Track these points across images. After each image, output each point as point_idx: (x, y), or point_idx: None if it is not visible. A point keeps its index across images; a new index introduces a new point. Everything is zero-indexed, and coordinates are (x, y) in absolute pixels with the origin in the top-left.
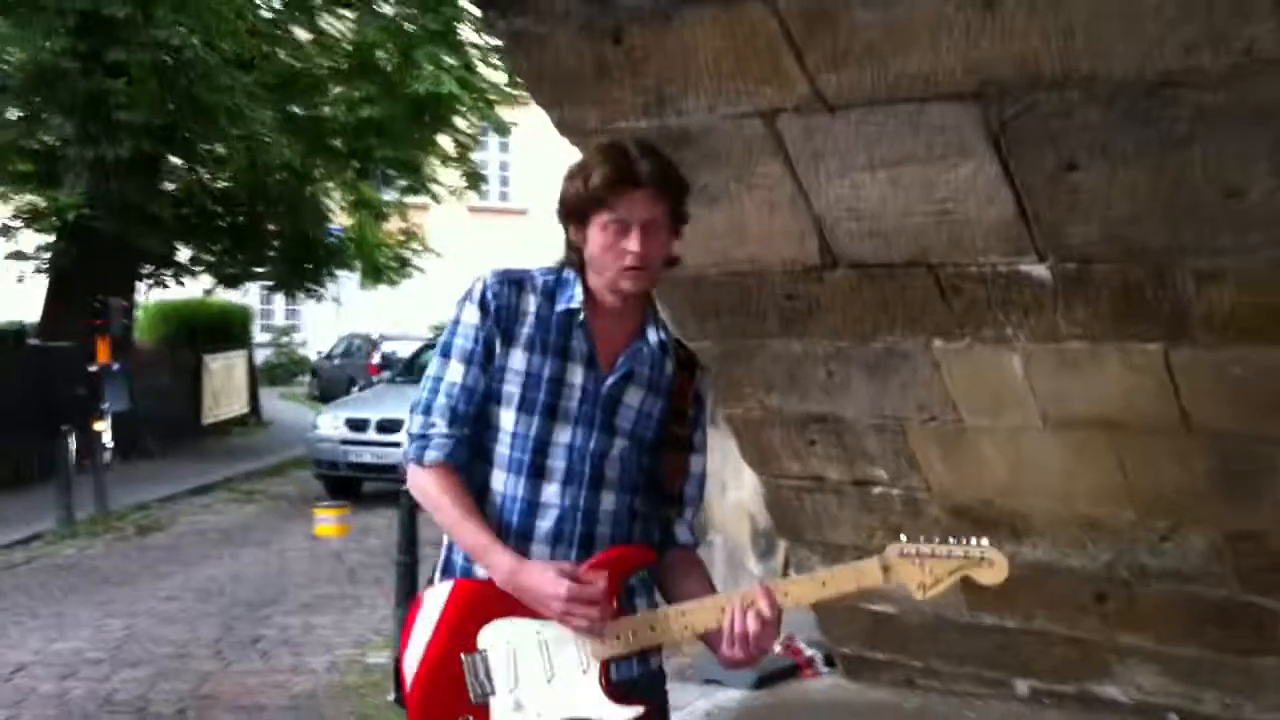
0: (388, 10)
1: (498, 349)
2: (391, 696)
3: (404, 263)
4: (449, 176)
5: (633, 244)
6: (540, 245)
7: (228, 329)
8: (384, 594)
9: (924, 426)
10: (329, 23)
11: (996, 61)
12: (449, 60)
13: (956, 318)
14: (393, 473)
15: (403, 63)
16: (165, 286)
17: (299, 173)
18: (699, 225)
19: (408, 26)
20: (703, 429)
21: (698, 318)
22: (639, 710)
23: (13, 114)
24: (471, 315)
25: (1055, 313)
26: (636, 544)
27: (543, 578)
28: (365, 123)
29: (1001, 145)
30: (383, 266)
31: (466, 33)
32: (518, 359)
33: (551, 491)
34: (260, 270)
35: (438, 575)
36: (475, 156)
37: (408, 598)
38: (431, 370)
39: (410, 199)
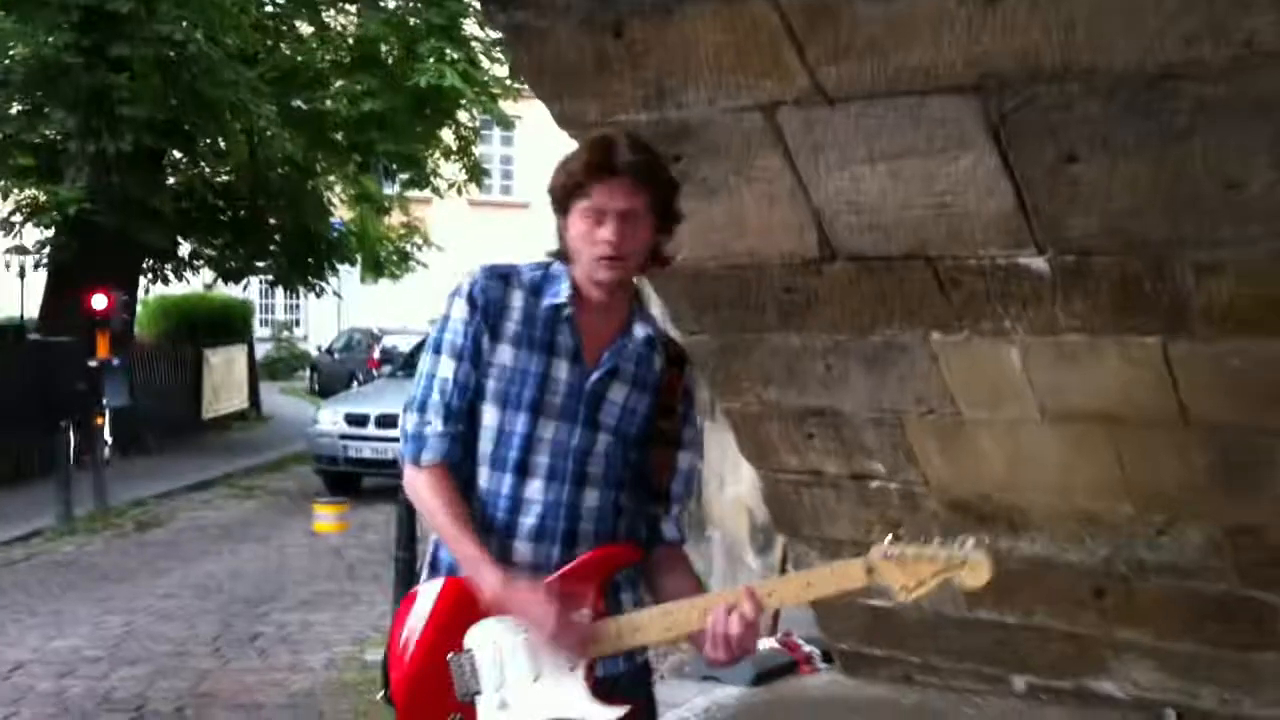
0: (391, 4)
1: (485, 344)
2: (381, 694)
3: (405, 257)
4: (451, 170)
5: (606, 232)
6: (542, 239)
7: (228, 323)
8: (382, 590)
9: (922, 420)
10: (331, 16)
11: (997, 55)
12: (452, 54)
13: (955, 310)
14: (392, 468)
15: (404, 56)
16: (166, 281)
17: (301, 167)
18: (698, 218)
19: (412, 21)
20: (692, 425)
21: (696, 311)
22: (624, 710)
23: (15, 108)
24: (460, 311)
25: (1054, 305)
26: (621, 541)
27: (532, 604)
28: (367, 116)
29: (1001, 138)
30: (384, 261)
31: (470, 26)
32: (504, 354)
33: (535, 487)
34: (261, 265)
35: (425, 572)
36: (478, 150)
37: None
38: (424, 367)
39: (412, 193)
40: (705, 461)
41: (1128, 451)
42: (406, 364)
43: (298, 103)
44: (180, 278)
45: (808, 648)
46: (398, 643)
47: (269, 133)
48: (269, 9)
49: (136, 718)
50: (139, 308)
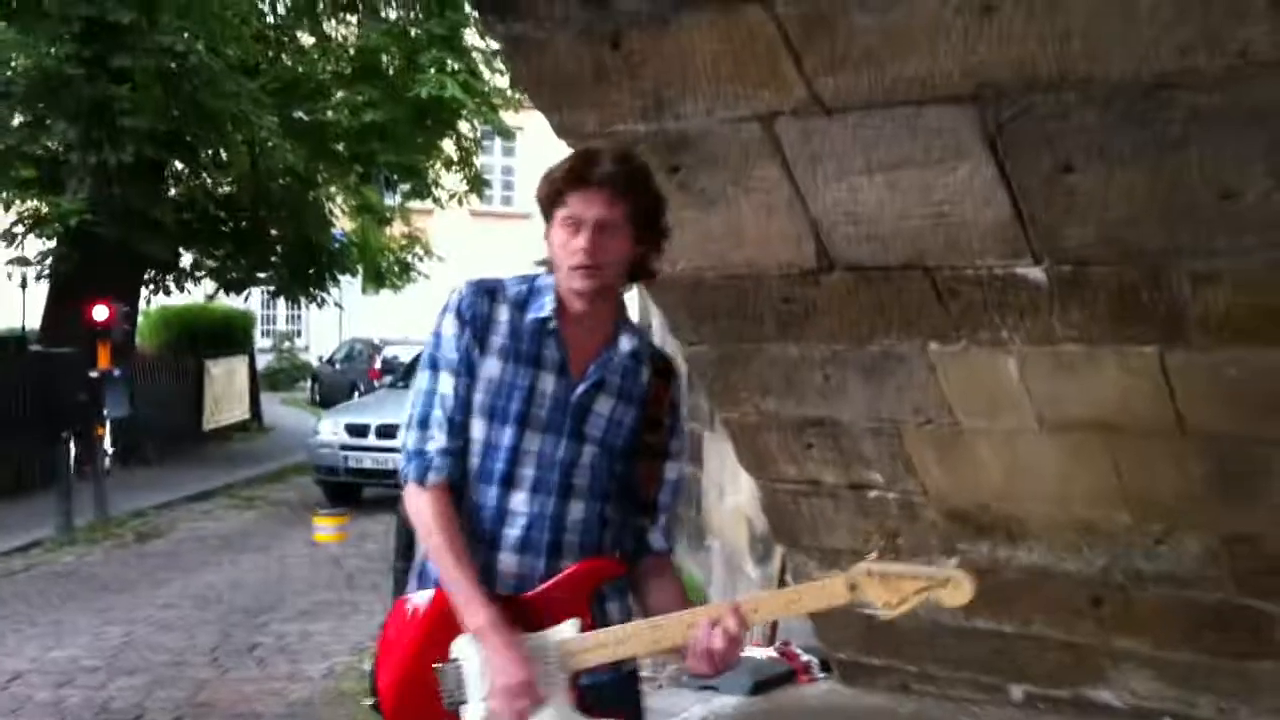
0: (392, 15)
1: (476, 358)
2: (369, 701)
3: (407, 267)
4: (452, 181)
5: (580, 241)
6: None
7: (229, 334)
8: (381, 600)
9: (920, 429)
10: (332, 27)
11: (993, 65)
12: (453, 65)
13: (952, 320)
14: (392, 478)
15: (405, 67)
16: (168, 292)
17: (302, 178)
18: (696, 228)
19: (413, 32)
20: (679, 437)
21: (694, 321)
22: None
23: (16, 120)
24: (450, 327)
25: (1051, 315)
26: (607, 552)
27: (502, 658)
28: (368, 127)
29: (998, 147)
30: (385, 271)
31: (471, 37)
32: (490, 368)
33: (520, 499)
34: (262, 275)
35: (414, 582)
36: (479, 161)
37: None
38: (421, 384)
39: (413, 203)
40: (705, 471)
41: (1125, 461)
42: (408, 374)
43: (299, 114)
44: (181, 289)
45: (806, 657)
46: (386, 651)
47: (270, 144)
48: (270, 20)
49: None
50: (140, 319)
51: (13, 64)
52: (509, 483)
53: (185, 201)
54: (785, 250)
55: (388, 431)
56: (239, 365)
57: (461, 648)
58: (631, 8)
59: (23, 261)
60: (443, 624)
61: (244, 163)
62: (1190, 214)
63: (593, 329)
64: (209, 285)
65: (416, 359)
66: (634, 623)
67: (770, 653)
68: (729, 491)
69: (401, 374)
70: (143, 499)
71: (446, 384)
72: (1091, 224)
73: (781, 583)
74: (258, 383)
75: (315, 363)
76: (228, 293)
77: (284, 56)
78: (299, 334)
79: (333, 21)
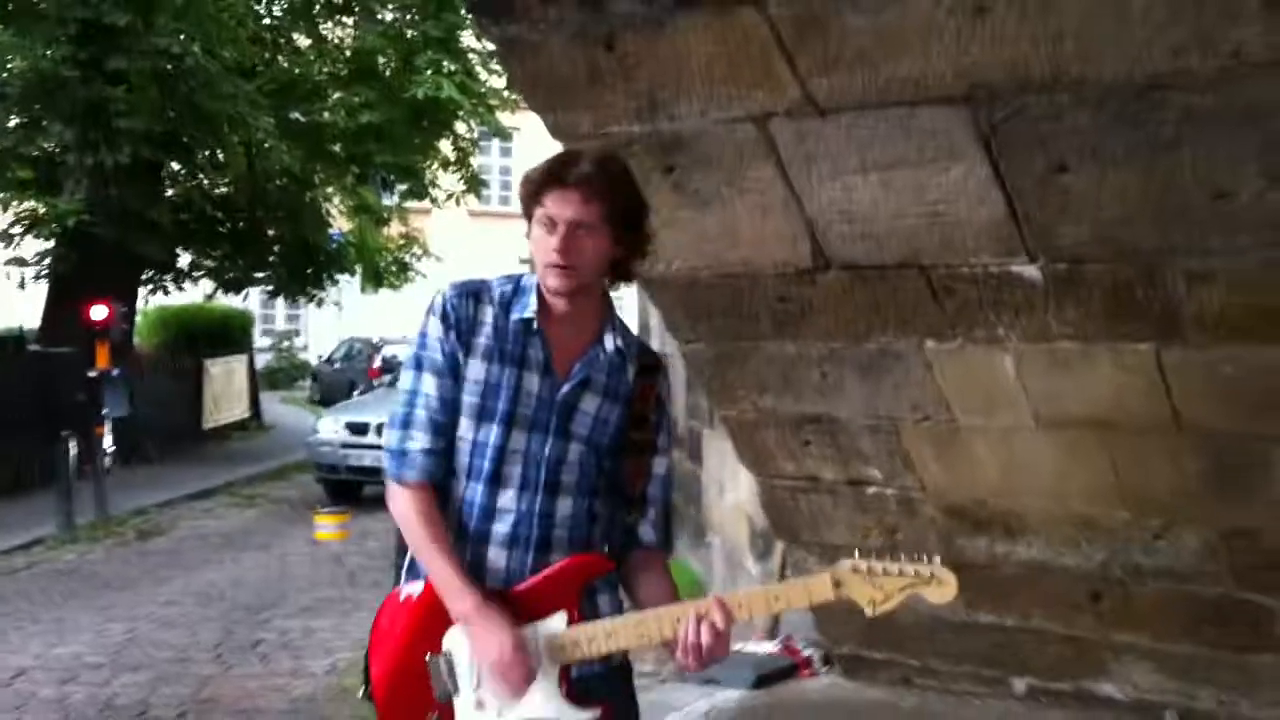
0: (388, 16)
1: (461, 360)
2: (361, 692)
3: (405, 267)
4: (450, 181)
5: (554, 240)
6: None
7: (228, 334)
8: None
9: (917, 426)
10: (328, 29)
11: (986, 66)
12: (449, 66)
13: (949, 318)
14: None
15: (402, 68)
16: (166, 292)
17: (299, 178)
18: (691, 228)
19: (409, 33)
20: (666, 431)
21: (691, 320)
22: (597, 712)
23: (13, 121)
24: (435, 328)
25: (1046, 313)
26: (596, 547)
27: (491, 638)
28: (365, 128)
29: (992, 148)
30: (383, 271)
31: (467, 38)
32: (476, 369)
33: (508, 497)
34: (260, 275)
35: (404, 576)
36: (477, 161)
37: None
38: (405, 384)
39: (411, 203)
40: (705, 468)
41: (1122, 457)
42: None
43: (296, 115)
44: (180, 288)
45: (808, 651)
46: (379, 642)
47: (267, 145)
48: (267, 22)
49: None
50: (139, 318)
51: (9, 66)
52: (497, 481)
53: (182, 202)
54: (781, 250)
55: None
56: (238, 364)
57: (453, 639)
58: (626, 10)
59: (20, 262)
60: (435, 616)
61: (241, 164)
62: (1184, 214)
63: (578, 328)
64: (207, 285)
65: None
66: (622, 617)
67: (772, 647)
68: (729, 488)
69: (400, 373)
70: (144, 497)
71: (429, 384)
72: (1086, 223)
73: (782, 579)
74: (257, 382)
75: (314, 362)
76: (226, 292)
77: (280, 58)
78: (298, 333)
79: (329, 23)
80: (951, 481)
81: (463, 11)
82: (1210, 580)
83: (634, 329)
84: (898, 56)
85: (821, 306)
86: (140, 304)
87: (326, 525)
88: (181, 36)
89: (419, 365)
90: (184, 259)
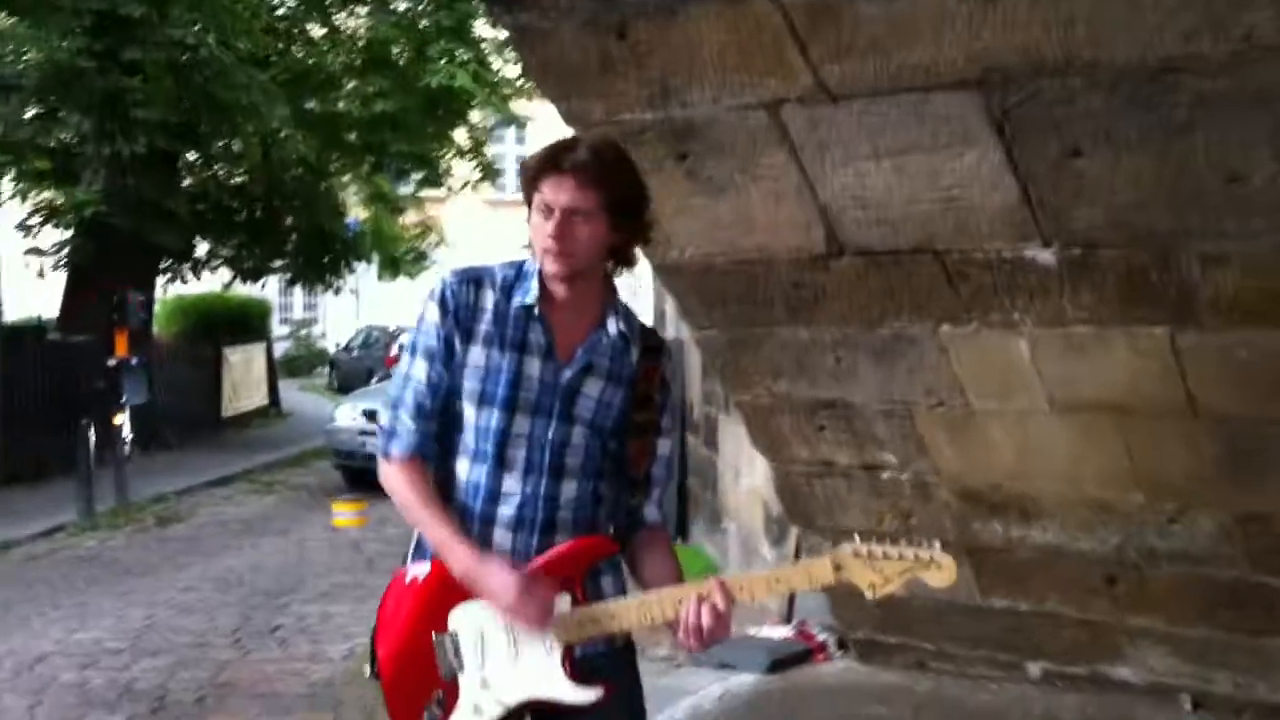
0: (401, 6)
1: (458, 346)
2: (368, 671)
3: (421, 255)
4: (465, 169)
5: (549, 226)
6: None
7: (247, 322)
8: None
9: (932, 411)
10: (342, 19)
11: (998, 51)
12: (463, 55)
13: (963, 303)
14: None
15: (415, 57)
16: (184, 281)
17: (315, 167)
18: (705, 215)
19: (422, 22)
20: (670, 412)
21: (705, 306)
22: (599, 691)
23: (30, 112)
24: (433, 314)
25: (1061, 297)
26: (601, 529)
27: (496, 580)
28: (380, 117)
29: (1005, 133)
30: (400, 259)
31: (481, 27)
32: (477, 355)
33: (513, 480)
34: (277, 264)
35: (410, 556)
36: (491, 149)
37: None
38: (401, 367)
39: (427, 192)
40: (720, 454)
41: (1136, 442)
42: None
43: (310, 105)
44: (197, 278)
45: (822, 636)
46: (385, 621)
47: (282, 134)
48: (280, 12)
49: (158, 707)
50: (158, 308)
51: (25, 57)
52: (501, 464)
53: (199, 192)
54: (794, 236)
55: None
56: (257, 352)
57: (458, 619)
58: None
59: (38, 252)
60: (440, 596)
61: (257, 153)
62: (1198, 198)
63: (579, 312)
64: (225, 274)
65: None
66: (625, 598)
67: (787, 632)
68: (744, 474)
69: None
70: (163, 484)
71: (421, 369)
72: (1100, 207)
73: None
74: (275, 369)
75: (332, 349)
76: (243, 281)
77: (294, 48)
78: (316, 321)
79: (342, 13)
80: (966, 466)
81: (475, 0)
82: (1225, 564)
83: (649, 315)
84: (910, 43)
85: (835, 292)
86: (159, 293)
87: (345, 513)
88: (196, 27)
89: (414, 350)
90: (201, 248)
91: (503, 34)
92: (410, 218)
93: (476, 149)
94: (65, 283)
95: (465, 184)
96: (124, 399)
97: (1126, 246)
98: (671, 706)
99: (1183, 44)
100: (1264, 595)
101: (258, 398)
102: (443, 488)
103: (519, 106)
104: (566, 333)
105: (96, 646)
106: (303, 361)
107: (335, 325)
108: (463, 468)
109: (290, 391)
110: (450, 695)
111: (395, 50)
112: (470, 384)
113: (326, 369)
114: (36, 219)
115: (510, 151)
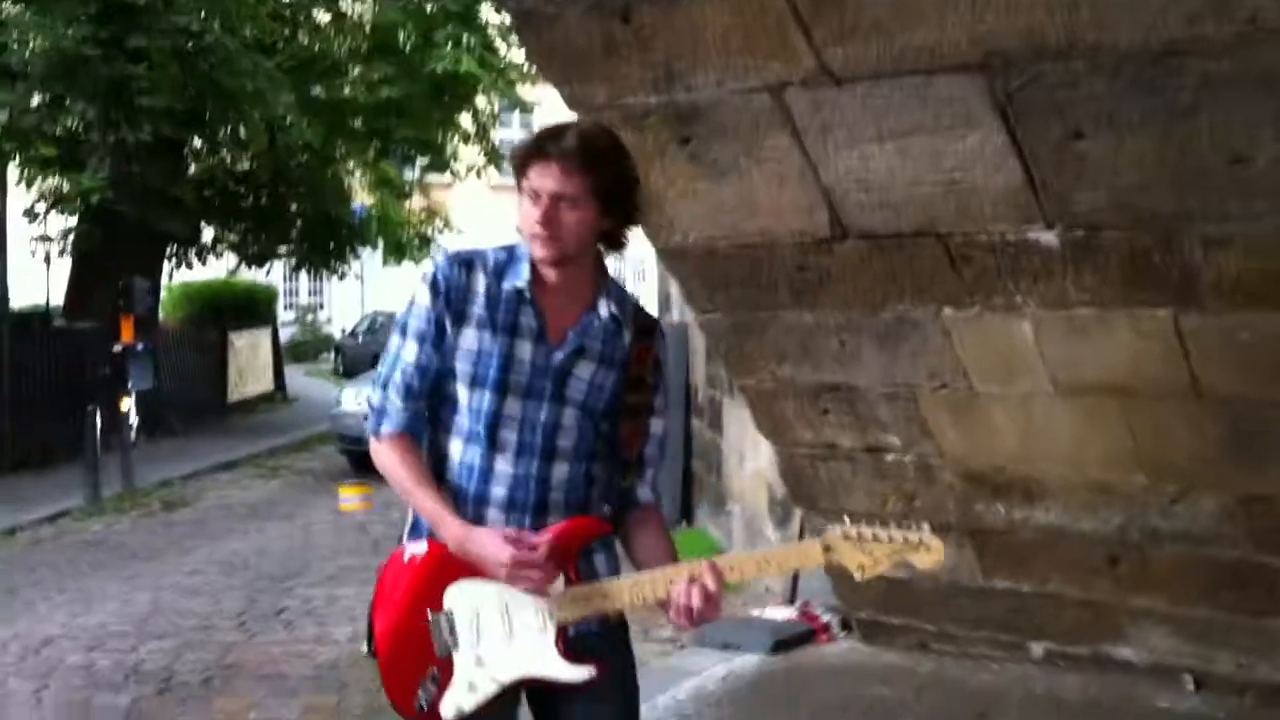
0: None
1: (449, 328)
2: (365, 648)
3: (427, 240)
4: (470, 154)
5: (536, 213)
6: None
7: (252, 307)
8: None
9: (935, 394)
10: (347, 4)
11: (1001, 33)
12: (469, 40)
13: (966, 286)
14: None
15: (421, 43)
16: (190, 267)
17: (320, 153)
18: (708, 199)
19: (428, 8)
20: (664, 393)
21: (709, 290)
22: (592, 670)
23: (36, 100)
24: (424, 297)
25: (1064, 279)
26: (594, 510)
27: (489, 543)
28: (385, 103)
29: (1008, 115)
30: (405, 244)
31: (486, 12)
32: (469, 337)
33: (505, 461)
34: (283, 250)
35: (406, 535)
36: (498, 135)
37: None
38: (392, 347)
39: (432, 177)
40: (725, 437)
41: (1139, 423)
42: None
43: (316, 91)
44: (203, 263)
45: (826, 616)
46: (382, 599)
47: (288, 120)
48: None
49: (164, 689)
50: (164, 293)
51: (31, 45)
52: (493, 446)
53: (205, 178)
54: (798, 219)
55: None
56: (262, 338)
57: (454, 597)
58: None
59: (45, 239)
60: (436, 575)
61: (262, 140)
62: (1201, 180)
63: (571, 296)
64: (230, 260)
65: None
66: (618, 578)
67: (791, 612)
68: (749, 457)
69: None
70: (169, 469)
71: (410, 351)
72: (1103, 189)
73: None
74: (281, 355)
75: (338, 335)
76: (249, 267)
77: (300, 34)
78: (321, 306)
79: None
80: (970, 448)
81: None
82: (1227, 544)
83: (654, 300)
84: (913, 25)
85: (839, 275)
86: (165, 279)
87: (350, 497)
88: (201, 14)
89: (404, 331)
90: (207, 234)
91: (508, 19)
92: (416, 203)
93: (482, 134)
94: (71, 269)
95: (471, 169)
96: (130, 385)
97: (1129, 229)
98: (675, 687)
99: (1187, 26)
100: (1266, 576)
101: (263, 383)
102: (437, 468)
103: (525, 91)
104: (558, 316)
105: (102, 630)
106: (308, 347)
107: (340, 310)
108: (456, 449)
109: (296, 377)
110: (445, 672)
111: (401, 36)
112: (463, 366)
113: (332, 354)
114: (43, 206)
115: (516, 136)
